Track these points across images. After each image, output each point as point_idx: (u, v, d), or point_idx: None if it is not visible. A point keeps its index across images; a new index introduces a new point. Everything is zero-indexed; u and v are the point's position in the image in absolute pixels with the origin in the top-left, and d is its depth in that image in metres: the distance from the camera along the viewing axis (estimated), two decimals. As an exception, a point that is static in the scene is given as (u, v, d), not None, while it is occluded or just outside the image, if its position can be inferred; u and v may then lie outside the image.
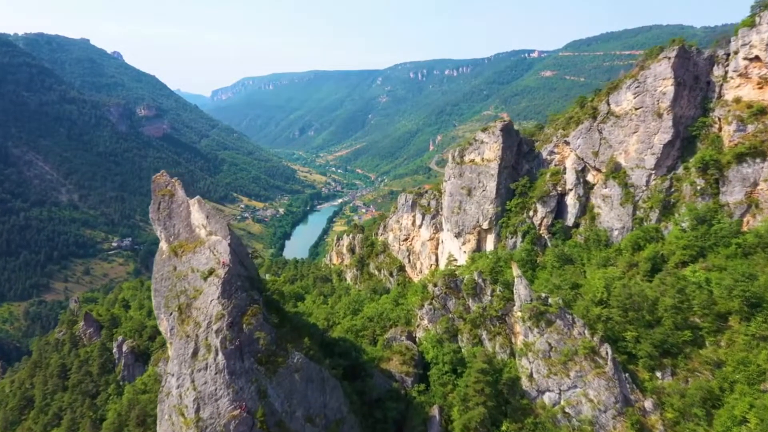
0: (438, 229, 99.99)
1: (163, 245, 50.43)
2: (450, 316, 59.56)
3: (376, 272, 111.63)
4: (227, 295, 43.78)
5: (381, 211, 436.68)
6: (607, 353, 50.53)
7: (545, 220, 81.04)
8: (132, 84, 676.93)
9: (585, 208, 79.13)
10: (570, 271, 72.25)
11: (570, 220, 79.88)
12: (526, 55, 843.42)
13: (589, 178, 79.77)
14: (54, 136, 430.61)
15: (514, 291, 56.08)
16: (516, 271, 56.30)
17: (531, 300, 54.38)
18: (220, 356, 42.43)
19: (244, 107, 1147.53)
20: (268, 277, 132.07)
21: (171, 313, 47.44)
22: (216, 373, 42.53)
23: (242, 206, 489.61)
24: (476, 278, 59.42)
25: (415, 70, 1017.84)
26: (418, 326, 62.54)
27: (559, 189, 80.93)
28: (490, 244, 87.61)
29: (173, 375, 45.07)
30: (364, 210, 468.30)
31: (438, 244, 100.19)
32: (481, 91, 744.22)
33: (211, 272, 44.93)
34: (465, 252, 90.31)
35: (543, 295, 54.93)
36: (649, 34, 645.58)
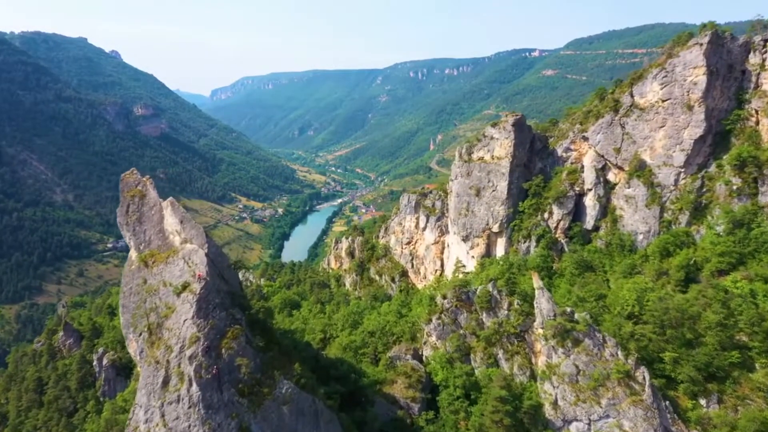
0: (443, 232, 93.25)
1: (133, 254, 43.74)
2: (461, 332, 52.87)
3: (377, 277, 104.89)
4: (203, 314, 37.08)
5: (381, 211, 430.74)
6: (644, 378, 43.87)
7: (562, 222, 74.35)
8: (130, 83, 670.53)
9: (606, 209, 72.44)
10: (591, 280, 65.63)
11: (589, 223, 73.17)
12: (527, 54, 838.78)
13: (610, 177, 73.06)
14: (49, 135, 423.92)
15: (535, 305, 49.41)
16: (537, 282, 49.60)
17: (554, 315, 47.71)
18: (194, 387, 35.70)
19: (243, 107, 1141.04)
20: (263, 282, 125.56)
21: (140, 334, 40.73)
22: (189, 407, 35.81)
23: (240, 206, 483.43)
24: (491, 289, 52.74)
25: (415, 69, 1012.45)
26: (425, 343, 55.83)
27: (577, 189, 74.23)
28: (500, 248, 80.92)
29: (141, 407, 38.38)
30: (363, 210, 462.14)
31: (443, 248, 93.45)
32: (482, 90, 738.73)
33: (184, 287, 38.21)
34: (473, 257, 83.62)
35: (568, 309, 48.24)
36: (651, 33, 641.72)
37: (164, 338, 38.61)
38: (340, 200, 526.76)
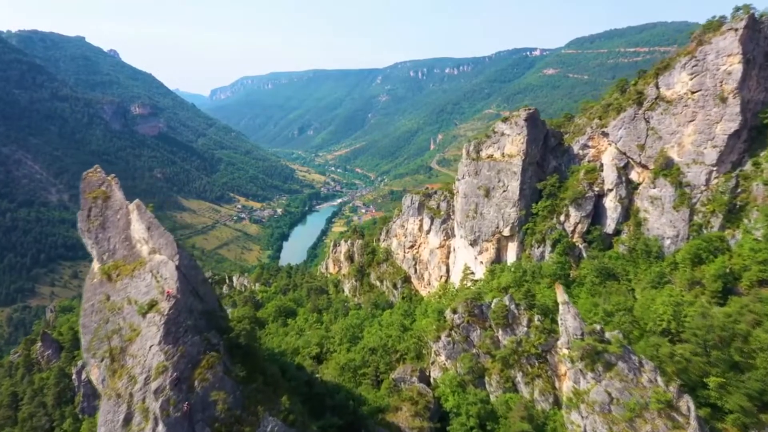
0: (449, 235, 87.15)
1: (95, 265, 37.66)
2: (474, 351, 46.78)
3: (378, 283, 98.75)
4: (172, 339, 31.06)
5: (381, 212, 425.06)
6: (688, 408, 37.69)
7: (579, 226, 68.25)
8: (128, 82, 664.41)
9: (628, 212, 66.35)
10: (614, 289, 59.62)
11: (610, 226, 67.07)
12: (528, 53, 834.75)
13: (633, 176, 66.95)
14: (45, 135, 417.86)
15: (560, 321, 43.31)
16: (561, 295, 43.48)
17: (582, 334, 41.57)
18: (161, 427, 29.73)
19: (242, 106, 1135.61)
20: (257, 287, 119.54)
21: (102, 360, 34.66)
22: (155, 452, 29.84)
23: (239, 206, 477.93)
24: (507, 303, 46.61)
25: (415, 68, 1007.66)
26: (432, 363, 49.69)
27: (596, 189, 68.13)
28: (511, 253, 74.85)
29: (100, 448, 32.39)
30: (363, 210, 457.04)
31: (449, 252, 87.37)
32: (483, 90, 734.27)
33: (151, 306, 32.22)
34: (482, 263, 77.56)
35: (598, 327, 42.07)
36: (653, 31, 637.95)
37: (127, 366, 32.57)
38: (339, 200, 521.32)
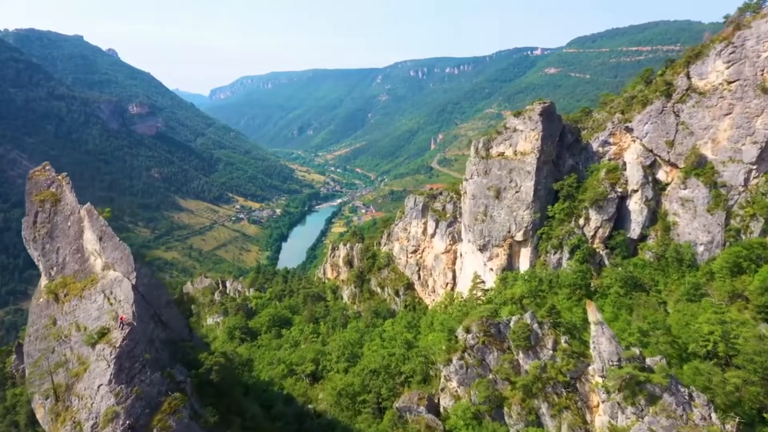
0: (456, 239, 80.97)
1: (42, 282, 31.43)
2: (491, 377, 40.63)
3: (379, 290, 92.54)
4: (125, 377, 24.96)
5: (382, 212, 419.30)
6: (750, 452, 31.62)
7: (601, 230, 62.09)
8: (126, 81, 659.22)
9: (655, 215, 60.18)
10: (642, 301, 53.45)
11: (634, 231, 60.90)
12: (529, 52, 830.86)
13: (661, 175, 60.80)
14: (40, 134, 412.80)
15: (592, 345, 37.19)
16: (594, 314, 37.33)
17: (619, 360, 35.43)
18: (109, 490, 23.52)
19: (242, 106, 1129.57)
20: (251, 293, 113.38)
21: (47, 398, 28.48)
22: None
23: (238, 207, 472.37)
24: (529, 321, 40.42)
25: (416, 68, 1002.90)
26: (442, 389, 43.48)
27: (619, 190, 61.95)
28: (524, 260, 68.71)
29: None
30: (363, 210, 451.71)
31: (455, 258, 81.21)
32: (483, 89, 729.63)
33: (102, 334, 26.18)
34: (492, 269, 71.41)
35: (637, 351, 35.94)
36: (656, 30, 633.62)
37: (73, 409, 26.42)
38: (339, 200, 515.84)
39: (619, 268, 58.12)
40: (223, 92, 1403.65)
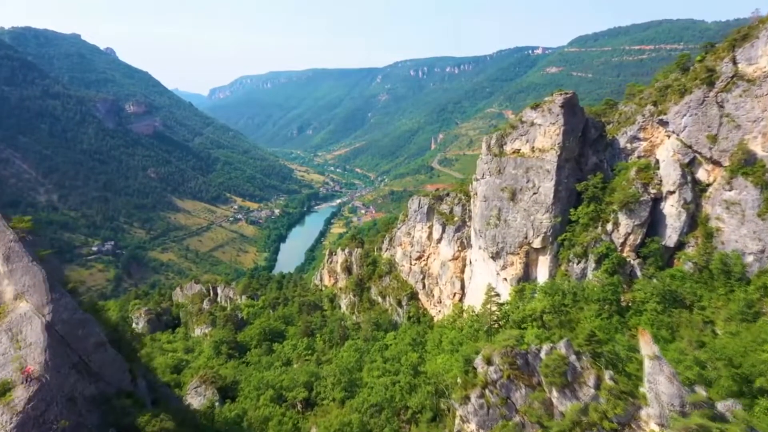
0: (465, 245, 73.72)
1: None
2: (518, 420, 33.39)
3: (380, 299, 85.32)
4: (29, 455, 17.58)
5: (382, 212, 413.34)
6: None
7: (632, 237, 54.89)
8: (123, 80, 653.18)
9: (695, 220, 52.96)
10: (683, 320, 46.31)
11: (671, 237, 53.68)
12: (530, 51, 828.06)
13: (701, 174, 53.56)
14: (34, 133, 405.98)
15: (647, 384, 29.92)
16: (648, 346, 30.09)
17: (683, 405, 28.19)
18: None
19: (241, 106, 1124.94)
20: (243, 300, 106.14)
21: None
22: None
23: (235, 207, 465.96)
24: (564, 352, 33.19)
25: (416, 67, 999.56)
26: (458, 432, 36.21)
27: (653, 191, 54.72)
28: (543, 270, 61.50)
29: None
30: (363, 211, 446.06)
31: (464, 265, 73.99)
32: (484, 89, 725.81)
33: (3, 391, 18.69)
34: (505, 279, 64.21)
35: (704, 393, 28.73)
36: (659, 29, 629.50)
37: (-36, 494, 19.03)
38: (339, 201, 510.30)
39: (655, 280, 50.93)
40: (223, 92, 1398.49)
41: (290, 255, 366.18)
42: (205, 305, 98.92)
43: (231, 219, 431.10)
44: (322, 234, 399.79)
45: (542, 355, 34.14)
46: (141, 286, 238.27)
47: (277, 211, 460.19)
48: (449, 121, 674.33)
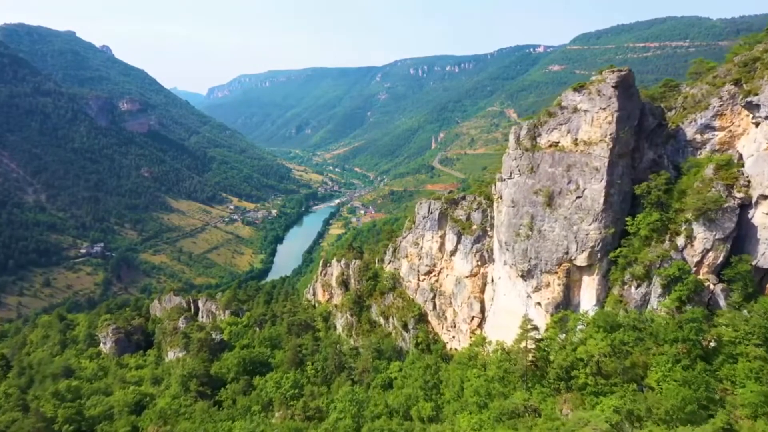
0: (485, 260, 60.78)
1: None
2: None
3: (382, 320, 72.46)
4: None
5: (381, 213, 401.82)
6: None
7: (712, 255, 42.13)
8: (119, 78, 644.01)
9: (799, 233, 40.35)
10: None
11: (765, 255, 41.00)
12: (531, 50, 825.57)
13: (807, 174, 40.91)
14: (24, 131, 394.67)
15: None
16: None
17: None
18: None
19: (240, 105, 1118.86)
20: (226, 317, 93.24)
21: None
22: None
23: (231, 207, 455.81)
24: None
25: (416, 66, 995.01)
26: None
27: (739, 195, 41.99)
28: (588, 294, 48.75)
29: None
30: (362, 211, 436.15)
31: (485, 284, 61.12)
32: (485, 87, 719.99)
33: None
34: (539, 304, 51.44)
35: None
36: (663, 26, 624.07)
37: None
38: (337, 201, 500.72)
39: (749, 314, 38.26)
40: (221, 91, 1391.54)
41: (287, 257, 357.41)
42: (181, 323, 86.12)
43: (227, 220, 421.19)
44: (321, 235, 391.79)
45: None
46: (121, 296, 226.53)
47: (274, 212, 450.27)
48: (450, 119, 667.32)
